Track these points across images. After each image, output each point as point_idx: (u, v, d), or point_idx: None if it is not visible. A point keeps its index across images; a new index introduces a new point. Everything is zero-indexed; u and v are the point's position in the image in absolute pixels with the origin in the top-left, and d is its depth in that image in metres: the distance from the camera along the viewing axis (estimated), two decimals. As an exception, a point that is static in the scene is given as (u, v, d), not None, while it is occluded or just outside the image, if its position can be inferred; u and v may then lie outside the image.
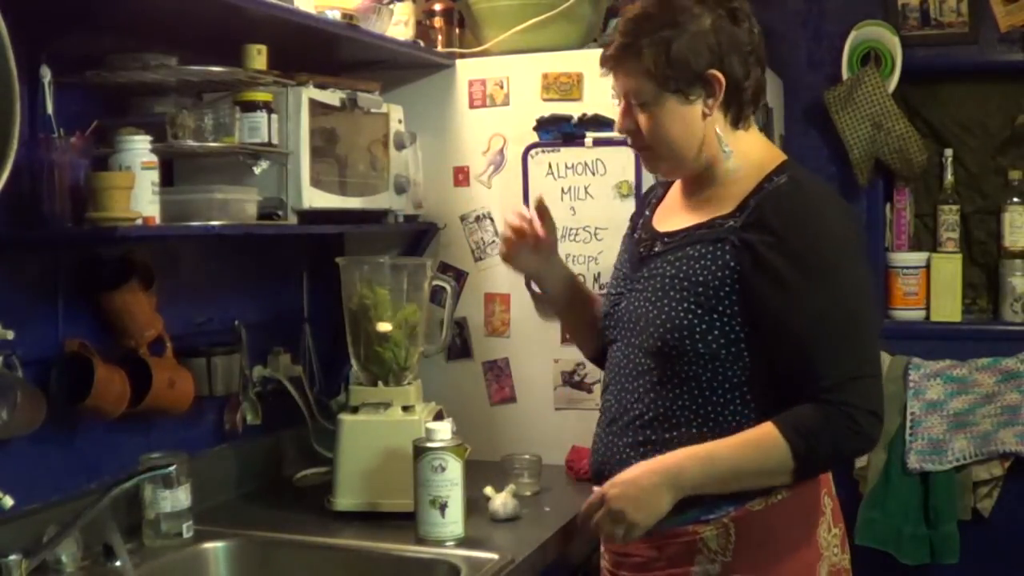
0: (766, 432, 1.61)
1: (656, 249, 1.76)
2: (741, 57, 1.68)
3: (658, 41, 1.65)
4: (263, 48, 1.97)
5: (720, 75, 1.67)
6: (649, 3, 1.69)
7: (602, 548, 1.86)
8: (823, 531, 1.73)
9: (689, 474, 1.63)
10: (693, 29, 1.65)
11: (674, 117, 1.69)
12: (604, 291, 2.00)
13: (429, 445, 1.96)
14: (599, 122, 2.45)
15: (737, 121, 1.72)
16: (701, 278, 1.66)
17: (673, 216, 1.81)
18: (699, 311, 1.65)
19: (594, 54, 2.47)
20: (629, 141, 1.78)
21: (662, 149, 1.72)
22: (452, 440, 1.98)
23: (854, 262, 1.66)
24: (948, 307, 3.21)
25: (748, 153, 1.73)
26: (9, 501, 1.66)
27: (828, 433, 1.59)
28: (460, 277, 2.59)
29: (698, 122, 1.69)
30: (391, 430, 2.14)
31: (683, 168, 1.75)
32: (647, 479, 1.64)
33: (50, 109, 1.80)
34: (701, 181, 1.75)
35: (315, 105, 2.13)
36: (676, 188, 1.86)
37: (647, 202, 1.93)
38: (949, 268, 3.22)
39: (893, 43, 3.14)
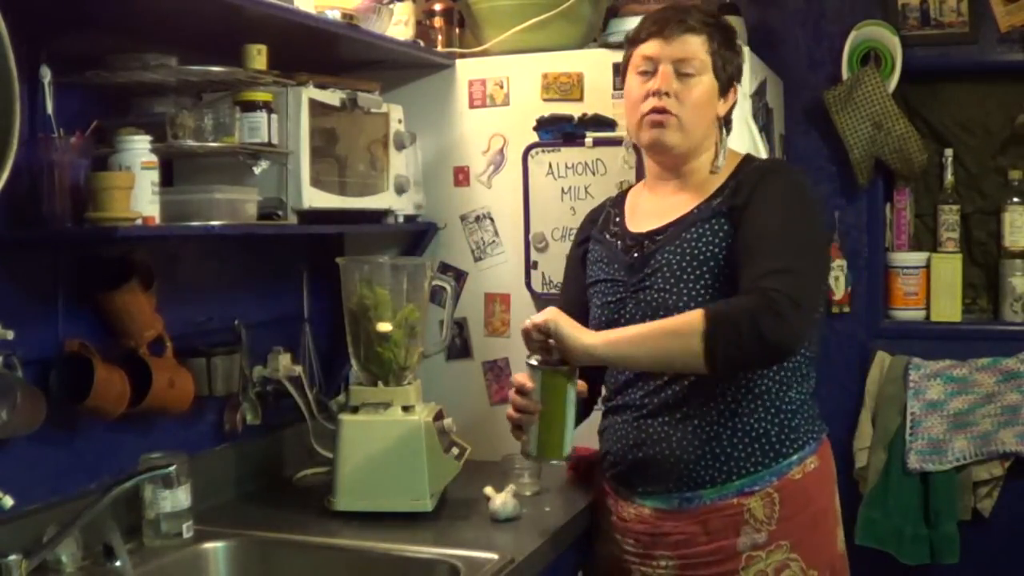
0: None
1: (650, 248, 1.90)
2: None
3: (724, 37, 1.91)
4: (263, 48, 1.98)
5: (737, 87, 1.96)
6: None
7: (617, 535, 1.94)
8: (835, 500, 1.94)
9: (607, 336, 1.79)
10: (733, 41, 1.94)
11: (707, 97, 1.89)
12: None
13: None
14: (599, 122, 2.45)
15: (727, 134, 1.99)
16: (709, 253, 1.82)
17: (648, 218, 1.96)
18: (716, 284, 1.80)
19: (594, 54, 2.50)
20: (653, 104, 1.86)
21: (689, 117, 1.87)
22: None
23: (810, 207, 1.86)
24: (948, 307, 3.21)
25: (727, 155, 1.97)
26: (9, 501, 1.66)
27: (742, 305, 1.71)
28: (460, 277, 2.59)
29: (715, 116, 1.92)
30: (391, 430, 2.15)
31: (687, 147, 1.90)
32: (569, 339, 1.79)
33: (50, 109, 1.79)
34: (680, 176, 1.94)
35: (315, 105, 2.13)
36: (639, 198, 2.04)
37: (607, 219, 2.04)
38: (949, 268, 3.22)
39: (893, 43, 3.14)
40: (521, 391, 1.82)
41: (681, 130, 1.87)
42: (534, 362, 1.81)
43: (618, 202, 2.08)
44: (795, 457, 1.85)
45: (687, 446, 1.84)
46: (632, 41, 1.94)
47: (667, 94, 1.86)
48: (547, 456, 1.85)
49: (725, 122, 1.96)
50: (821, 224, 1.95)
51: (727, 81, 1.92)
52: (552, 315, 1.80)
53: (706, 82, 1.88)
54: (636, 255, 1.92)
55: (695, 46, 1.87)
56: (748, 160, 1.97)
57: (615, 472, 1.95)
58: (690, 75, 1.86)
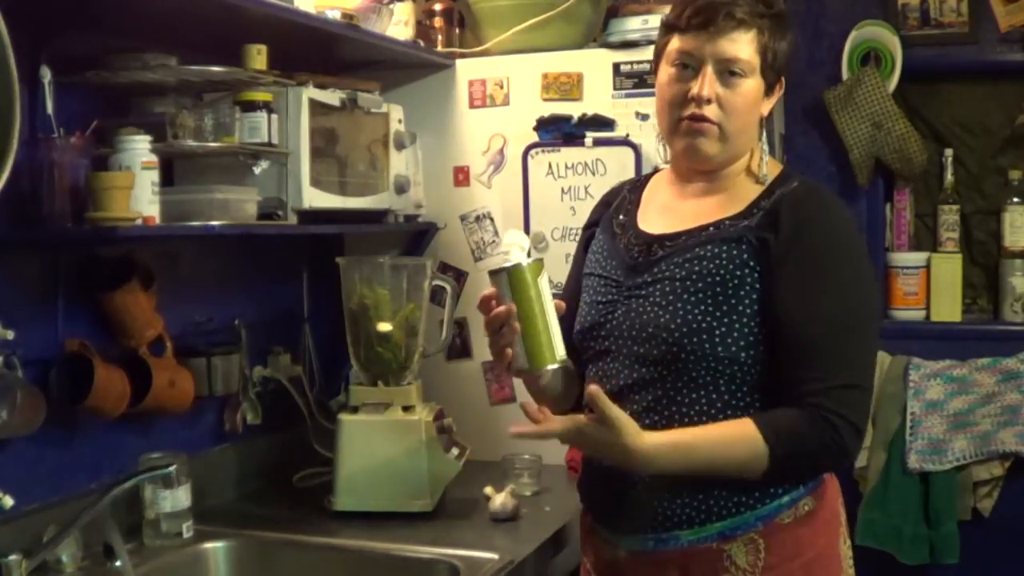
0: (746, 431, 1.57)
1: (657, 253, 1.68)
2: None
3: (776, 26, 1.67)
4: (263, 48, 1.98)
5: (783, 82, 1.73)
6: None
7: (587, 564, 1.79)
8: (842, 543, 1.70)
9: (662, 463, 1.57)
10: (784, 29, 1.70)
11: (754, 102, 1.67)
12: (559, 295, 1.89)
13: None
14: (599, 122, 2.45)
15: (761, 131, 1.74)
16: (718, 277, 1.61)
17: (663, 217, 1.74)
18: (717, 312, 1.60)
19: (594, 54, 2.49)
20: (693, 111, 1.63)
21: (733, 126, 1.64)
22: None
23: (865, 270, 1.67)
24: (948, 307, 3.21)
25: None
26: (9, 501, 1.67)
27: (808, 441, 1.56)
28: (460, 277, 2.59)
29: (758, 117, 1.70)
30: (391, 430, 2.15)
31: (727, 156, 1.68)
32: (620, 454, 1.56)
33: (50, 109, 1.80)
34: (710, 181, 1.71)
35: (315, 105, 2.13)
36: (658, 191, 1.81)
37: (620, 206, 1.83)
38: (949, 268, 3.22)
39: (893, 43, 3.14)
40: (493, 301, 1.62)
41: (722, 140, 1.64)
42: (494, 266, 1.64)
43: (637, 188, 1.84)
44: (786, 499, 1.61)
45: (662, 479, 1.61)
46: (670, 27, 1.67)
47: (709, 101, 1.62)
48: (542, 362, 1.62)
49: (765, 121, 1.72)
50: (874, 288, 1.73)
51: (775, 78, 1.69)
52: (585, 450, 1.65)
53: (752, 84, 1.64)
54: (640, 257, 1.70)
55: (743, 44, 1.62)
56: (785, 178, 1.70)
57: (589, 503, 1.77)
58: (736, 76, 1.62)
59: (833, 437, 1.55)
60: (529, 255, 1.64)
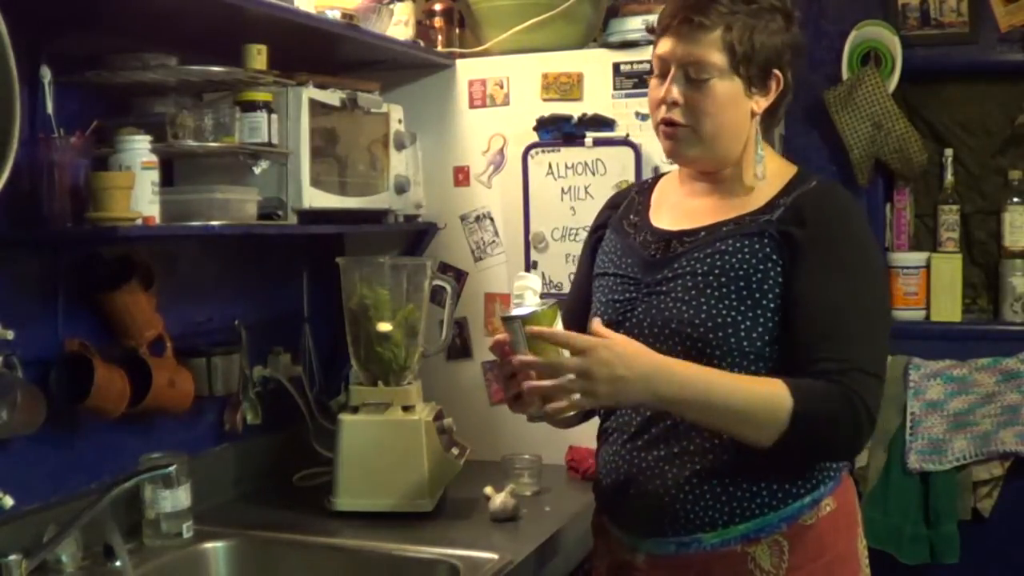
0: (772, 383, 1.54)
1: (676, 249, 1.68)
2: (792, 64, 1.71)
3: (746, 21, 1.63)
4: (263, 48, 1.98)
5: (780, 76, 1.70)
6: None
7: (600, 569, 1.78)
8: (860, 543, 1.71)
9: (679, 392, 1.53)
10: (771, 22, 1.66)
11: (728, 101, 1.64)
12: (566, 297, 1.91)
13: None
14: (599, 122, 2.45)
15: (768, 128, 1.73)
16: (741, 271, 1.60)
17: (676, 215, 1.74)
18: (741, 307, 1.59)
19: (594, 54, 2.49)
20: (660, 116, 1.66)
21: (705, 130, 1.64)
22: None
23: (880, 268, 1.69)
24: (948, 307, 3.21)
25: (769, 161, 1.71)
26: (9, 501, 1.67)
27: (831, 407, 1.53)
28: (460, 277, 2.59)
29: (746, 117, 1.68)
30: (391, 430, 2.15)
31: (711, 157, 1.68)
32: (639, 367, 1.52)
33: (50, 109, 1.80)
34: (717, 181, 1.71)
35: (315, 105, 2.13)
36: (668, 191, 1.80)
37: (629, 207, 1.82)
38: (949, 268, 3.22)
39: (893, 43, 3.14)
40: (507, 347, 1.57)
41: (698, 142, 1.65)
42: (513, 313, 1.57)
43: (644, 190, 1.84)
44: (808, 499, 1.61)
45: (683, 484, 1.60)
46: (653, 33, 1.71)
47: (675, 103, 1.63)
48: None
49: (766, 118, 1.71)
50: (888, 288, 1.75)
51: (759, 73, 1.65)
52: (600, 365, 1.49)
53: (722, 87, 1.62)
54: (657, 254, 1.69)
55: (705, 47, 1.61)
56: (803, 178, 1.69)
57: (606, 505, 1.75)
58: (703, 80, 1.62)
59: (852, 414, 1.53)
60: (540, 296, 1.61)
